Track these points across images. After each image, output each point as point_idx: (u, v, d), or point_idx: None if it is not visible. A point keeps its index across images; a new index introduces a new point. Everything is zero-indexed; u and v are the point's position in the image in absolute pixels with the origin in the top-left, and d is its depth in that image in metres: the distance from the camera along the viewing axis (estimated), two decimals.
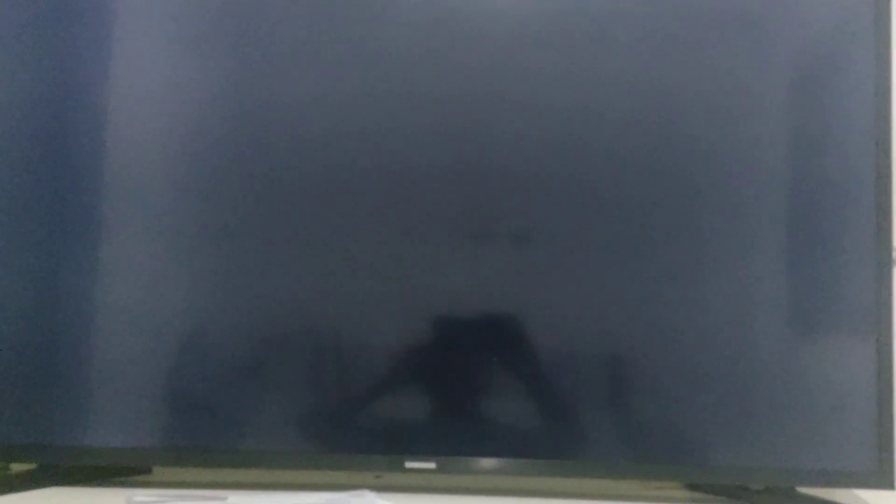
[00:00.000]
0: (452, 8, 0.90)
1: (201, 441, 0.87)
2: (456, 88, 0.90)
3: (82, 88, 0.90)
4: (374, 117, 0.90)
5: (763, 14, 0.90)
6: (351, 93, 0.90)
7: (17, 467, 0.89)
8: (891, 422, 0.85)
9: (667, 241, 0.89)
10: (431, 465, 0.85)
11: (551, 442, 0.88)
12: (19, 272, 0.87)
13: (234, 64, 0.91)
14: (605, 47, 0.90)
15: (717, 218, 0.89)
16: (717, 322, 0.88)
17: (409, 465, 0.85)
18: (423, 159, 0.89)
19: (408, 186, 0.89)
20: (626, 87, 0.90)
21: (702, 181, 0.89)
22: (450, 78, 0.90)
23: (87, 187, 0.89)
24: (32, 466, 0.88)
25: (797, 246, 0.89)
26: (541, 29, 0.90)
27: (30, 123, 0.89)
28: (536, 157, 0.89)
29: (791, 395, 0.87)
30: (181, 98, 0.90)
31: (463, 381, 0.89)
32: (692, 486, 0.93)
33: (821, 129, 0.90)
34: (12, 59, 0.90)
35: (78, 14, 0.90)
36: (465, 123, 0.89)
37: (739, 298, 0.88)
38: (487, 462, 0.86)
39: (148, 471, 0.91)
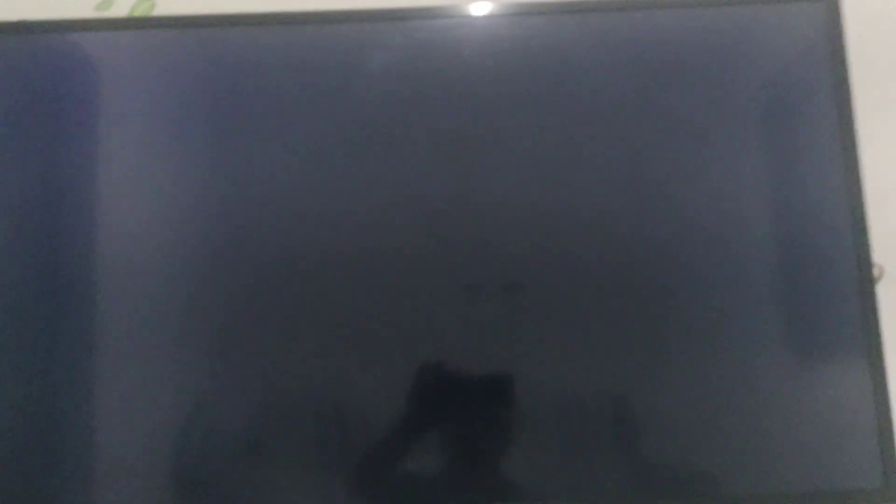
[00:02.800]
0: (437, 69, 0.94)
1: None
2: (445, 146, 0.92)
3: (67, 180, 0.92)
4: (362, 177, 0.92)
5: (720, 63, 0.95)
6: (337, 158, 0.92)
7: None
8: (891, 437, 0.86)
9: (658, 285, 0.91)
10: None
11: (560, 484, 0.88)
12: (14, 337, 0.88)
13: (218, 145, 0.93)
14: (580, 101, 0.94)
15: (710, 257, 0.91)
16: (715, 357, 0.89)
17: None
18: (414, 217, 0.91)
19: (399, 243, 0.91)
20: (603, 143, 0.93)
21: (687, 227, 0.92)
22: (439, 135, 0.93)
23: (82, 260, 0.90)
24: None
25: (783, 277, 0.91)
26: (519, 89, 0.94)
27: (17, 211, 0.91)
28: (526, 209, 0.92)
29: (793, 421, 0.88)
30: (167, 188, 0.92)
31: (467, 430, 0.90)
32: None
33: (791, 163, 0.93)
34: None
35: (62, 106, 0.93)
36: (454, 179, 0.92)
37: (734, 333, 0.89)
38: None
39: None
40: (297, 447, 0.88)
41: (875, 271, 0.90)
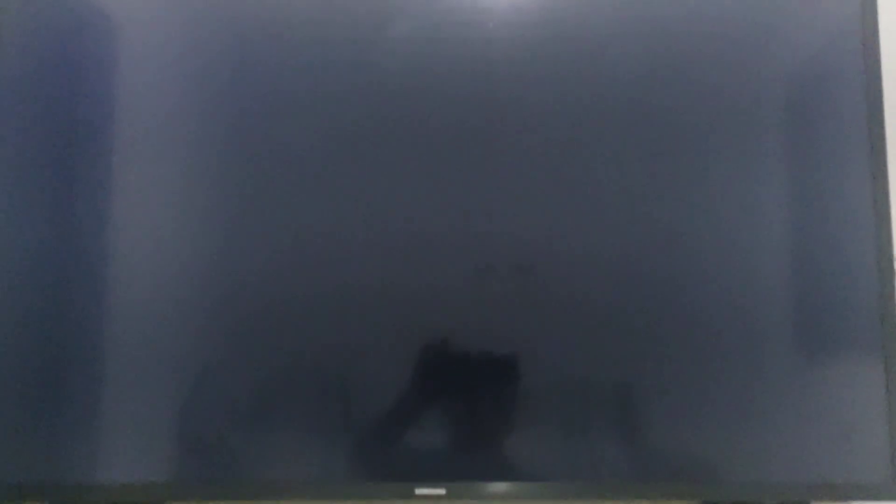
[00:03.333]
0: (449, 49, 0.92)
1: (212, 474, 0.87)
2: (457, 125, 0.91)
3: (86, 135, 0.91)
4: (375, 158, 0.91)
5: (754, 35, 0.92)
6: (354, 128, 0.91)
7: None
8: None
9: (673, 269, 0.90)
10: (441, 492, 0.85)
11: (562, 464, 0.88)
12: (27, 306, 0.88)
13: (234, 110, 0.92)
14: (604, 82, 0.92)
15: (721, 246, 0.90)
16: (726, 344, 0.88)
17: (419, 491, 0.85)
18: (428, 194, 0.91)
19: (412, 222, 0.90)
20: (625, 114, 0.92)
21: (705, 207, 0.90)
22: (450, 114, 0.91)
23: (95, 227, 0.90)
24: None
25: (802, 268, 0.90)
26: (540, 69, 0.92)
27: (34, 161, 0.91)
28: (538, 189, 0.91)
29: (802, 410, 0.87)
30: (181, 145, 0.92)
31: (471, 407, 0.89)
32: None
33: (816, 145, 0.91)
34: (18, 102, 0.92)
35: (80, 64, 0.93)
36: (467, 159, 0.91)
37: (749, 322, 0.88)
38: (498, 486, 0.86)
39: None
40: (304, 415, 0.89)
41: None
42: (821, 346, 0.89)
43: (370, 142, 0.91)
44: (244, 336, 0.89)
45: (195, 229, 0.90)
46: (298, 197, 0.91)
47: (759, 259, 0.90)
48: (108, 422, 0.88)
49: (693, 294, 0.89)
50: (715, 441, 0.87)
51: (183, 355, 0.89)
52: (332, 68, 0.92)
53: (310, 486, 0.87)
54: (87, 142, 0.91)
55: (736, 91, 0.92)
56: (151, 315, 0.89)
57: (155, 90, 0.92)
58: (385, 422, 0.88)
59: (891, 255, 0.88)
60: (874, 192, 0.89)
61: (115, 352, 0.88)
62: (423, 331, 0.89)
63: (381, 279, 0.89)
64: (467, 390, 0.90)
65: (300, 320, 0.89)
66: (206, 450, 0.88)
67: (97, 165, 0.90)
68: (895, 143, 0.92)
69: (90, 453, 0.87)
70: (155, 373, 0.88)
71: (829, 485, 0.86)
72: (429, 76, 0.92)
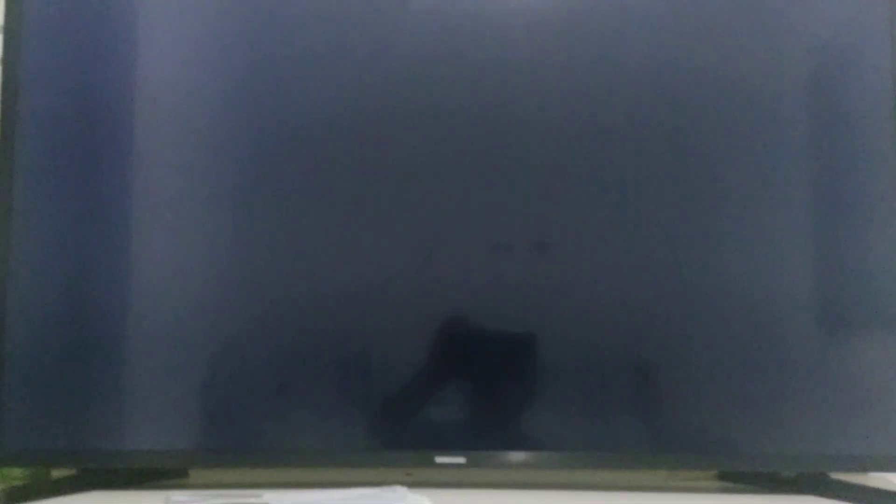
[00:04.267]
0: (472, 23, 0.92)
1: (235, 442, 0.89)
2: (477, 99, 0.91)
3: (109, 93, 0.91)
4: (394, 129, 0.91)
5: (779, 9, 0.91)
6: (371, 108, 0.91)
7: (57, 473, 0.92)
8: None
9: (692, 243, 0.89)
10: (461, 460, 0.86)
11: (581, 435, 0.88)
12: (57, 282, 0.89)
13: (258, 74, 0.93)
14: (625, 59, 0.91)
15: (741, 215, 0.89)
16: (745, 312, 0.88)
17: (438, 459, 0.86)
18: (445, 170, 0.91)
19: (430, 197, 0.91)
20: (645, 91, 0.91)
21: (724, 180, 0.90)
22: (470, 89, 0.91)
23: (121, 201, 0.91)
24: (72, 471, 0.91)
25: (824, 242, 0.89)
26: (560, 44, 0.92)
27: (61, 140, 0.91)
28: (556, 165, 0.90)
29: (822, 382, 0.87)
30: (207, 120, 0.92)
31: (490, 378, 0.90)
32: (723, 476, 0.93)
33: (841, 121, 0.90)
34: (45, 73, 0.92)
35: (104, 18, 0.93)
36: (486, 135, 0.91)
37: (768, 293, 0.88)
38: (517, 456, 0.87)
39: (185, 473, 0.93)
40: (325, 386, 0.90)
41: None
42: (840, 317, 0.89)
43: (388, 122, 0.91)
44: (267, 310, 0.90)
45: (219, 208, 0.91)
46: (319, 177, 0.91)
47: (780, 234, 0.89)
48: (134, 392, 0.89)
49: (713, 269, 0.89)
50: (732, 412, 0.87)
51: (207, 328, 0.90)
52: (350, 51, 0.92)
53: (330, 454, 0.89)
54: (109, 128, 0.91)
55: (759, 75, 0.90)
56: (177, 291, 0.90)
57: (177, 75, 0.92)
58: (405, 392, 0.89)
59: None
60: None
61: (142, 325, 0.89)
62: (443, 303, 0.90)
63: (399, 255, 0.90)
64: (487, 362, 0.90)
65: (321, 294, 0.90)
66: (229, 419, 0.89)
67: (122, 153, 0.91)
68: None
69: (117, 422, 0.89)
70: (180, 345, 0.89)
71: (848, 456, 0.86)
72: (447, 57, 0.92)
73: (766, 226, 0.89)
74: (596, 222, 0.90)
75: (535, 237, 0.90)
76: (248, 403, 0.90)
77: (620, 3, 0.92)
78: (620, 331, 0.89)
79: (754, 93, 0.90)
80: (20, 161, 0.89)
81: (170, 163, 0.91)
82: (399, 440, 0.89)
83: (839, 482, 0.88)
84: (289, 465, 0.89)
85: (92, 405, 0.88)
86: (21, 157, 0.89)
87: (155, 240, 0.91)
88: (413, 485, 0.84)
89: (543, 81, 0.91)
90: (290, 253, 0.90)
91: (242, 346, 0.90)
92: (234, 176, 0.92)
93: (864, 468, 0.87)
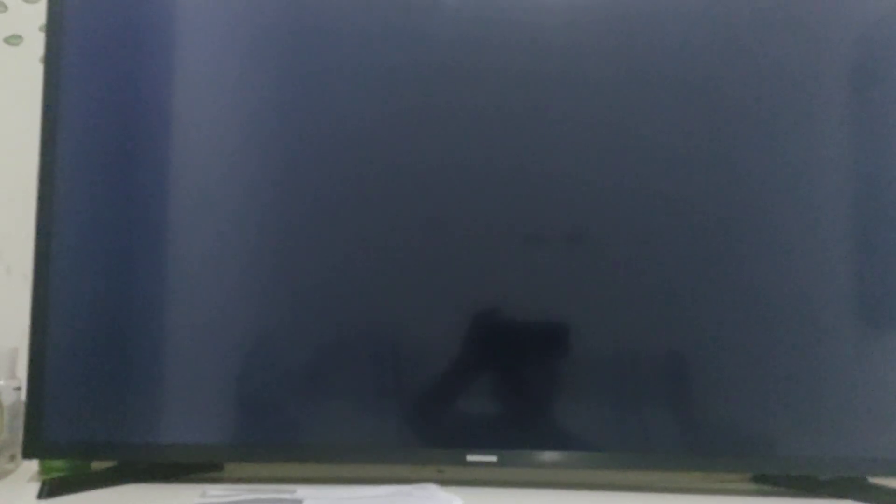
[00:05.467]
0: (502, 17, 0.91)
1: (271, 438, 0.90)
2: (510, 93, 0.91)
3: (147, 93, 0.93)
4: (427, 125, 0.91)
5: (814, 12, 0.90)
6: (405, 103, 0.92)
7: (97, 465, 0.93)
8: None
9: (730, 237, 0.88)
10: (493, 459, 0.86)
11: (613, 435, 0.88)
12: (97, 278, 0.91)
13: (298, 82, 0.93)
14: (659, 50, 0.91)
15: (780, 214, 0.88)
16: (783, 313, 0.87)
17: (470, 458, 0.86)
18: (479, 164, 0.91)
19: (463, 191, 0.91)
20: (681, 85, 0.90)
21: (763, 175, 0.89)
22: (502, 83, 0.91)
23: (158, 196, 0.92)
24: (112, 464, 0.92)
25: (865, 237, 0.88)
26: (592, 35, 0.91)
27: (101, 137, 0.93)
28: (589, 158, 0.90)
29: (860, 385, 0.86)
30: (242, 116, 0.93)
31: (522, 376, 0.90)
32: (758, 479, 0.92)
33: (880, 117, 0.89)
34: (85, 72, 0.94)
35: (144, 36, 0.94)
36: (518, 128, 0.91)
37: (807, 290, 0.87)
38: (549, 455, 0.87)
39: (220, 467, 0.95)
40: (359, 382, 0.91)
41: None
42: (881, 316, 0.87)
43: (421, 118, 0.91)
44: (304, 306, 0.91)
45: (256, 205, 0.92)
46: (353, 172, 0.91)
47: (821, 229, 0.88)
48: (171, 387, 0.90)
49: (751, 264, 0.88)
50: (769, 413, 0.86)
51: (244, 325, 0.91)
52: (386, 41, 0.92)
53: (363, 450, 0.89)
54: (148, 127, 0.93)
55: (797, 72, 0.89)
56: (215, 288, 0.91)
57: (214, 74, 0.93)
58: (438, 389, 0.89)
59: None
60: None
61: (181, 321, 0.91)
62: (476, 297, 0.90)
63: (432, 249, 0.90)
64: (519, 359, 0.90)
65: (356, 290, 0.91)
66: (264, 414, 0.90)
67: (160, 150, 0.92)
68: None
69: (155, 416, 0.90)
70: (216, 341, 0.90)
71: (887, 460, 0.84)
72: (482, 46, 0.92)
73: (806, 222, 0.88)
74: (630, 215, 0.89)
75: (567, 229, 0.90)
76: (282, 399, 0.91)
77: (662, 12, 0.91)
78: (655, 328, 0.89)
79: (793, 88, 0.89)
80: (62, 159, 0.91)
81: (208, 159, 0.92)
82: (431, 437, 0.89)
83: (877, 486, 0.86)
84: (322, 460, 0.90)
85: (131, 400, 0.90)
86: (63, 155, 0.91)
87: (193, 237, 0.92)
88: (444, 482, 0.85)
89: (577, 75, 0.91)
90: (326, 248, 0.91)
91: (279, 342, 0.91)
92: (271, 171, 0.93)
93: None
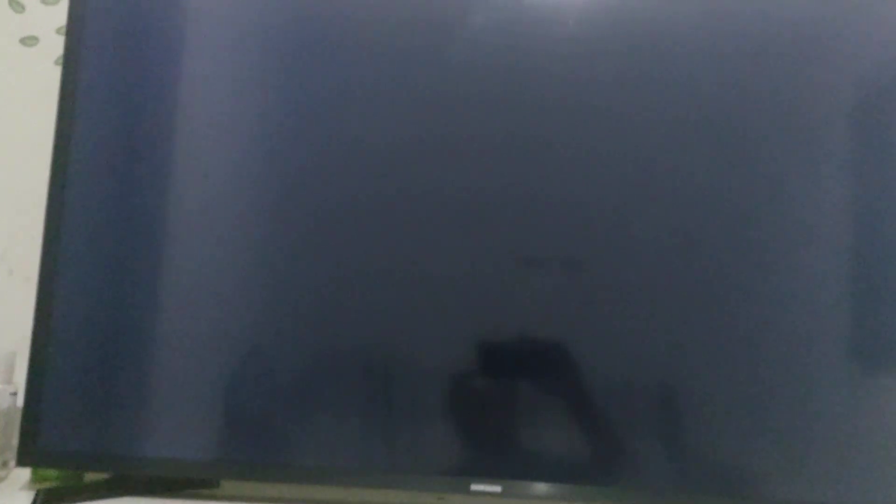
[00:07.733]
0: (508, 46, 0.92)
1: (267, 458, 0.88)
2: (510, 119, 0.91)
3: (163, 119, 0.92)
4: (428, 148, 0.91)
5: (824, 40, 0.91)
6: (406, 124, 0.92)
7: (89, 477, 0.92)
8: None
9: (723, 270, 0.89)
10: (497, 489, 0.85)
11: (613, 468, 0.87)
12: (100, 289, 0.90)
13: (303, 98, 0.93)
14: (660, 84, 0.91)
15: (777, 248, 0.88)
16: (775, 353, 0.87)
17: (474, 487, 0.85)
18: (477, 186, 0.91)
19: (461, 213, 0.90)
20: (685, 114, 0.91)
21: (761, 209, 0.89)
22: (504, 108, 0.91)
23: (155, 210, 0.91)
24: (105, 476, 0.90)
25: (861, 279, 0.88)
26: (597, 64, 0.92)
27: (115, 143, 0.92)
28: (589, 184, 0.90)
29: (853, 428, 0.86)
30: (250, 128, 0.93)
31: (509, 402, 0.89)
32: None
33: (884, 152, 0.90)
34: (101, 76, 0.93)
35: (162, 43, 0.94)
36: (519, 152, 0.91)
37: (799, 330, 0.87)
38: (553, 487, 0.86)
39: (216, 484, 0.93)
40: (346, 399, 0.89)
41: None
42: (876, 361, 0.87)
43: (419, 137, 0.91)
44: (304, 325, 0.90)
45: (246, 213, 0.91)
46: (349, 189, 0.91)
47: (816, 267, 0.88)
48: (167, 401, 0.89)
49: (747, 300, 0.88)
50: (759, 455, 0.86)
51: (242, 342, 0.90)
52: (407, 59, 0.92)
53: (365, 473, 0.88)
54: (155, 136, 0.92)
55: (803, 103, 0.90)
56: (212, 303, 0.90)
57: (226, 86, 0.93)
58: (439, 417, 0.88)
59: None
60: None
61: (179, 335, 0.89)
62: (472, 320, 0.89)
63: (431, 272, 0.90)
64: (506, 385, 0.89)
65: (352, 312, 0.89)
66: (261, 432, 0.89)
67: (163, 163, 0.92)
68: None
69: (149, 429, 0.88)
70: (210, 357, 0.89)
71: None
72: (486, 71, 0.92)
73: (804, 258, 0.88)
74: (628, 245, 0.89)
75: (565, 255, 0.90)
76: (282, 419, 0.89)
77: (666, 28, 0.92)
78: (649, 361, 0.88)
79: (796, 119, 0.90)
80: (74, 164, 0.90)
81: (216, 171, 0.92)
82: (436, 465, 0.88)
83: None
84: (322, 482, 0.89)
85: (126, 412, 0.88)
86: (76, 159, 0.90)
87: (189, 252, 0.91)
88: None
89: (579, 103, 0.91)
90: (326, 269, 0.90)
91: (277, 361, 0.90)
92: (268, 188, 0.92)
93: None
